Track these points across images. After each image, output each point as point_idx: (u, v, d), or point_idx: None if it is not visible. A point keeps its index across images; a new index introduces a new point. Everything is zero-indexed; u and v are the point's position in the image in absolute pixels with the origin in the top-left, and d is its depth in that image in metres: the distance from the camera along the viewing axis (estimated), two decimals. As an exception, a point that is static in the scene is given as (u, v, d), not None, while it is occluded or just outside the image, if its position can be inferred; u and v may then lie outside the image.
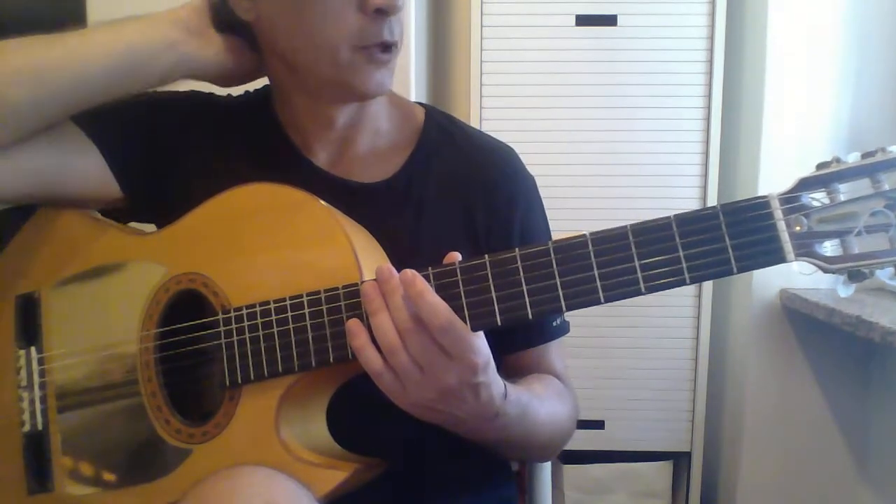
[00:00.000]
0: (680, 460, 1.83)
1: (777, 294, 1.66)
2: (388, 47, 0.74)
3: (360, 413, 0.72)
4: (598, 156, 1.70)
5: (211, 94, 0.89)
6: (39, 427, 0.78)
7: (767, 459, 1.72)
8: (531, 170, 0.89)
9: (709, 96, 1.67)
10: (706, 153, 1.69)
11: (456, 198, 0.83)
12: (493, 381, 0.65)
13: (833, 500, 1.71)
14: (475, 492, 0.85)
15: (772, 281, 1.66)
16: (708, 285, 1.72)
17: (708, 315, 1.73)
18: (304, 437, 0.69)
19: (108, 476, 0.75)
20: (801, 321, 1.64)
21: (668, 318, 1.74)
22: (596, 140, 1.69)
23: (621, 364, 1.75)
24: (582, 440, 1.75)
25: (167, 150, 0.83)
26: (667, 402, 1.77)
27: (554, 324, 0.86)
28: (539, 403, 0.76)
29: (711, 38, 1.65)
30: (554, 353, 0.87)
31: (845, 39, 1.62)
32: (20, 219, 0.84)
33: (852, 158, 0.58)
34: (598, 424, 1.77)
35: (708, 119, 1.68)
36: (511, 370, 0.81)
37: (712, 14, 1.65)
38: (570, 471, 1.82)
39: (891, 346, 1.31)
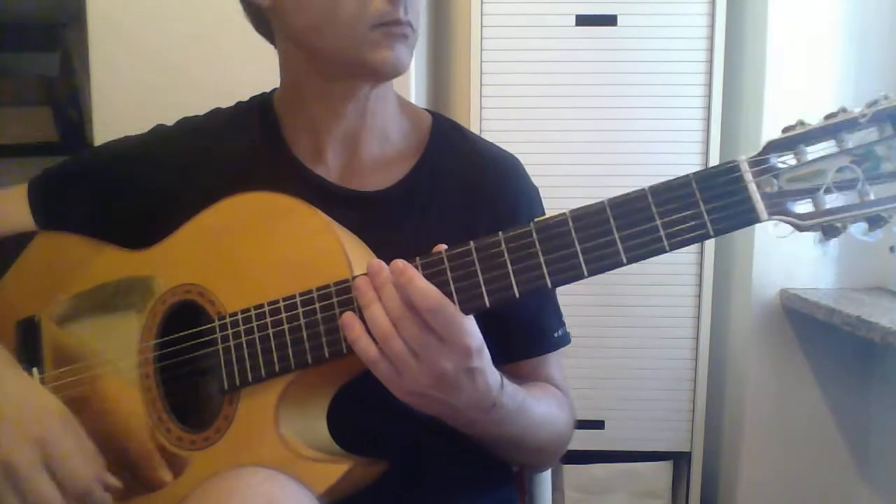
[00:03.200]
0: (680, 460, 1.83)
1: (777, 294, 1.66)
2: (403, 24, 0.74)
3: (361, 414, 0.72)
4: (598, 156, 1.70)
5: (185, 121, 0.90)
6: None
7: (767, 459, 1.72)
8: (530, 170, 0.90)
9: (709, 96, 1.67)
10: (706, 153, 1.69)
11: (459, 206, 0.83)
12: (489, 369, 0.66)
13: (833, 500, 1.71)
14: (475, 492, 0.85)
15: (772, 281, 1.67)
16: (708, 286, 1.72)
17: (708, 315, 1.73)
18: (304, 435, 0.70)
19: (113, 489, 0.76)
20: (801, 321, 1.64)
21: (668, 318, 1.74)
22: (596, 140, 1.69)
23: (621, 364, 1.75)
24: (582, 440, 1.75)
25: (152, 199, 0.84)
26: (667, 402, 1.76)
27: (555, 335, 0.86)
28: (535, 402, 0.76)
29: (711, 38, 1.65)
30: (553, 364, 0.87)
31: (845, 39, 1.62)
32: (19, 245, 0.85)
33: (816, 120, 0.59)
34: (598, 424, 1.77)
35: (708, 119, 1.68)
36: (510, 379, 0.81)
37: (712, 14, 1.64)
38: (570, 471, 1.82)
39: (891, 346, 1.32)
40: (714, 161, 1.68)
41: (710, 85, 1.67)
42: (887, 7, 1.61)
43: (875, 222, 0.58)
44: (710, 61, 1.66)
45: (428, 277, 0.63)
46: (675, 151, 1.69)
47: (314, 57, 0.78)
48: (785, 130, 0.60)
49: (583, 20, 1.67)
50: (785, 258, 1.65)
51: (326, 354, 0.67)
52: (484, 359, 0.65)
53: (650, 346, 1.75)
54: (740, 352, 1.75)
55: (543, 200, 0.90)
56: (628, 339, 1.75)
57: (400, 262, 0.63)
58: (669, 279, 1.71)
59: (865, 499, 1.69)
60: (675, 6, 1.65)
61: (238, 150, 0.85)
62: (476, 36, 1.68)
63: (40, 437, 0.67)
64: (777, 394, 1.70)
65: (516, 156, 0.90)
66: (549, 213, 0.90)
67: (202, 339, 0.74)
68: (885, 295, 1.58)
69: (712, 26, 1.65)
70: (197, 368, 0.75)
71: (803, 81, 1.62)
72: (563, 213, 0.64)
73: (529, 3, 1.67)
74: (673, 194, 0.61)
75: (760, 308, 1.68)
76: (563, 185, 1.67)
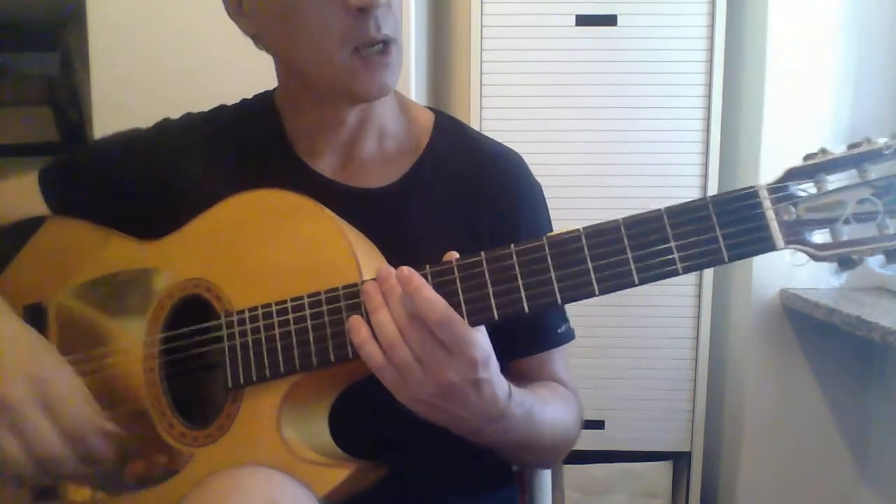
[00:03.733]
0: (680, 460, 1.83)
1: (777, 294, 1.66)
2: (384, 45, 0.74)
3: (362, 416, 0.72)
4: (598, 156, 1.70)
5: (191, 116, 0.90)
6: None
7: (767, 459, 1.72)
8: (530, 169, 0.89)
9: (709, 96, 1.67)
10: (706, 153, 1.69)
11: (460, 203, 0.83)
12: (496, 379, 0.65)
13: (833, 500, 1.71)
14: (475, 494, 0.85)
15: (772, 281, 1.66)
16: (708, 286, 1.72)
17: (708, 315, 1.73)
18: (306, 438, 0.69)
19: (114, 481, 0.75)
20: (801, 321, 1.64)
21: (668, 318, 1.74)
22: (596, 140, 1.69)
23: (621, 364, 1.75)
24: (582, 440, 1.73)
25: (158, 190, 0.84)
26: (667, 402, 1.76)
27: (559, 331, 0.86)
28: (543, 406, 0.76)
29: (711, 38, 1.65)
30: (558, 361, 0.87)
31: (845, 39, 1.62)
32: (29, 230, 0.85)
33: (839, 150, 0.59)
34: (598, 424, 1.77)
35: (708, 119, 1.68)
36: (515, 376, 0.81)
37: (712, 14, 1.65)
38: (570, 471, 1.82)
39: (891, 346, 1.31)
40: (713, 161, 1.68)
41: (710, 85, 1.67)
42: (887, 7, 1.61)
43: (893, 256, 0.57)
44: (710, 61, 1.66)
45: (437, 286, 0.63)
46: (675, 151, 1.69)
47: (304, 81, 0.79)
48: (806, 158, 0.60)
49: (583, 20, 1.67)
50: (785, 258, 1.65)
51: (332, 358, 0.67)
52: (491, 369, 0.64)
53: (650, 346, 1.75)
54: (740, 352, 1.75)
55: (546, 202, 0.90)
56: (628, 339, 1.74)
57: (406, 270, 0.62)
58: (669, 279, 1.71)
59: (865, 499, 1.69)
60: (675, 6, 1.65)
61: (242, 147, 0.85)
62: (476, 36, 1.68)
63: (35, 373, 0.66)
64: (777, 394, 1.69)
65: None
66: (550, 212, 0.90)
67: (208, 336, 0.73)
68: (885, 295, 1.58)
69: (712, 26, 1.65)
70: (202, 364, 0.75)
71: (803, 81, 1.62)
72: (577, 230, 0.63)
73: (529, 3, 1.67)
74: (689, 217, 0.61)
75: (760, 308, 1.67)
76: (564, 185, 1.67)
